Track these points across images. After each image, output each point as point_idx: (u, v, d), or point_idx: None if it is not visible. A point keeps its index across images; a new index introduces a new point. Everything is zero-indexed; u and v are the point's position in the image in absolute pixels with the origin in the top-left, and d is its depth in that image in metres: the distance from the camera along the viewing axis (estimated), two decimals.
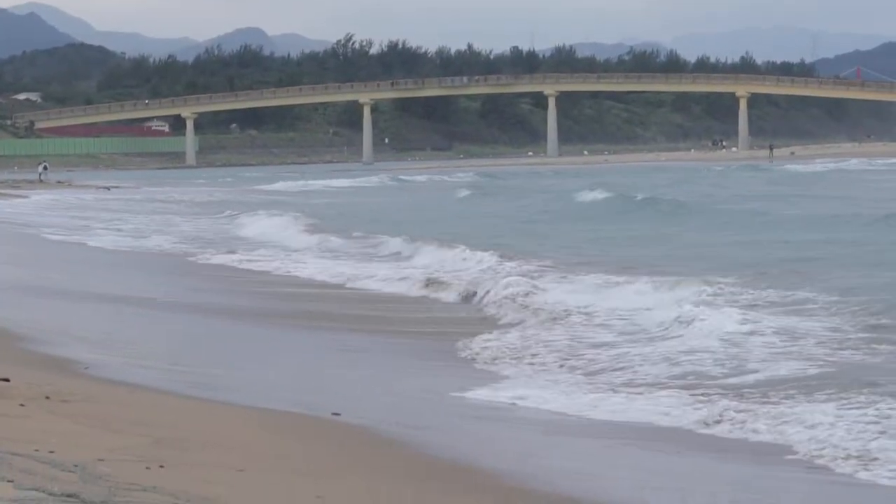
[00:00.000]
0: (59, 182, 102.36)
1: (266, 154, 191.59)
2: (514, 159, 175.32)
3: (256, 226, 45.43)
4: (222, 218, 52.59)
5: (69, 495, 7.65)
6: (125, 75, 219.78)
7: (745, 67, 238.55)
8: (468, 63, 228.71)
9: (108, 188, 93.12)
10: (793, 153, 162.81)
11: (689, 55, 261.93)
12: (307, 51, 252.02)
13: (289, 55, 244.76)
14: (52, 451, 9.03)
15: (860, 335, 17.19)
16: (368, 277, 27.41)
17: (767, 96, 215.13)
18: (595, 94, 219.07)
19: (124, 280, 27.36)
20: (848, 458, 10.86)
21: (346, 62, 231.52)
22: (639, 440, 12.02)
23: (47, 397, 11.57)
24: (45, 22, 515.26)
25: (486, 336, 18.57)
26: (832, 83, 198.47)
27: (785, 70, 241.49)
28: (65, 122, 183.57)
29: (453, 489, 9.60)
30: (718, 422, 12.55)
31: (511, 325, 20.10)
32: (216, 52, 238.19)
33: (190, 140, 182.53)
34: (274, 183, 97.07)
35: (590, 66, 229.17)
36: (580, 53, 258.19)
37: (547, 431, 12.41)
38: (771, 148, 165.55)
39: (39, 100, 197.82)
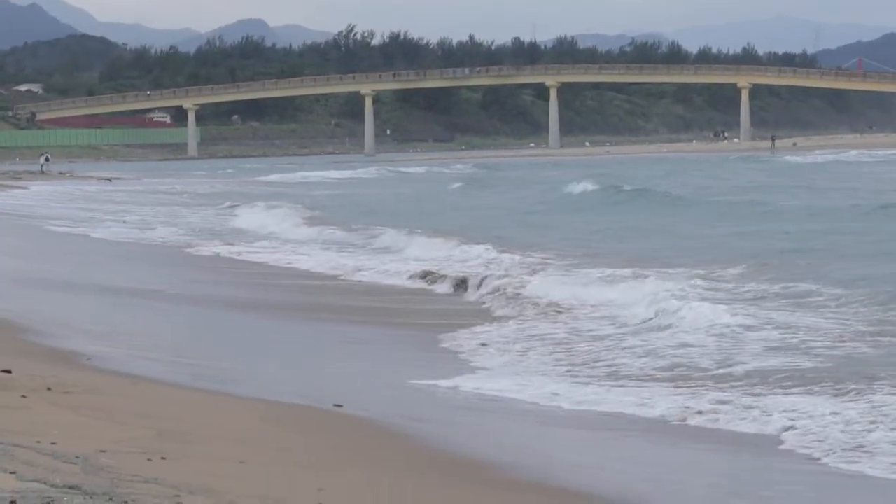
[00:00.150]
0: (60, 173, 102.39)
1: (268, 145, 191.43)
2: (515, 151, 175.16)
3: (255, 217, 45.49)
4: (223, 209, 52.65)
5: (71, 487, 7.68)
6: (127, 66, 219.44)
7: (747, 58, 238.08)
8: (470, 54, 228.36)
9: (109, 179, 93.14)
10: (795, 144, 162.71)
11: (691, 46, 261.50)
12: (309, 42, 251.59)
13: (290, 46, 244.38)
14: (54, 443, 9.06)
15: (860, 328, 17.19)
16: (367, 269, 27.60)
17: (769, 87, 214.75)
18: (597, 86, 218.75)
19: (126, 271, 27.39)
20: (840, 449, 10.90)
21: (347, 53, 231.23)
22: (633, 431, 12.05)
23: (49, 389, 11.59)
24: (47, 13, 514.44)
25: (479, 328, 18.69)
26: (834, 74, 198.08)
27: (787, 61, 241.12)
28: (66, 114, 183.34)
29: (452, 481, 9.64)
30: (703, 413, 12.54)
31: (504, 317, 20.20)
32: (218, 44, 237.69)
33: (192, 131, 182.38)
34: (269, 175, 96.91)
35: (591, 57, 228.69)
36: (582, 44, 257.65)
37: (543, 423, 12.46)
38: (773, 139, 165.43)
39: (41, 91, 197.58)
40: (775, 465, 10.69)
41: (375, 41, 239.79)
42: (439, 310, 21.38)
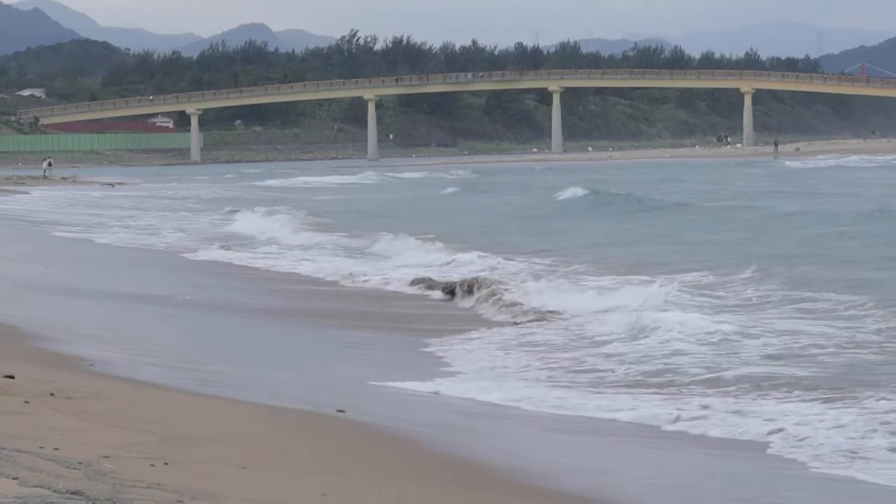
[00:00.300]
0: (63, 178, 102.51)
1: (270, 150, 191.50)
2: (518, 156, 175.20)
3: (255, 223, 45.66)
4: (223, 215, 52.74)
5: (74, 492, 7.69)
6: (129, 71, 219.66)
7: (750, 63, 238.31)
8: (472, 59, 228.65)
9: (112, 185, 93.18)
10: (797, 149, 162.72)
11: (694, 51, 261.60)
12: (311, 47, 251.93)
13: (293, 51, 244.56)
14: (56, 449, 9.07)
15: (863, 336, 17.17)
16: (364, 274, 27.75)
17: (772, 92, 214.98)
18: (600, 91, 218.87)
19: (127, 277, 27.43)
20: (832, 454, 10.92)
21: (350, 58, 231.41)
22: (625, 437, 12.08)
23: (52, 394, 11.60)
24: (50, 18, 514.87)
25: (474, 334, 18.75)
26: (837, 79, 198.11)
27: (790, 66, 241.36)
28: (69, 119, 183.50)
29: (452, 484, 9.66)
30: (694, 418, 12.57)
31: (494, 323, 20.28)
32: (220, 49, 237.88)
33: (194, 136, 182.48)
34: (271, 180, 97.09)
35: (594, 61, 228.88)
36: (584, 49, 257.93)
37: (546, 429, 12.50)
38: (776, 144, 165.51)
39: (44, 96, 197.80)
40: (777, 470, 10.70)
41: (378, 46, 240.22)
42: (433, 315, 21.44)
